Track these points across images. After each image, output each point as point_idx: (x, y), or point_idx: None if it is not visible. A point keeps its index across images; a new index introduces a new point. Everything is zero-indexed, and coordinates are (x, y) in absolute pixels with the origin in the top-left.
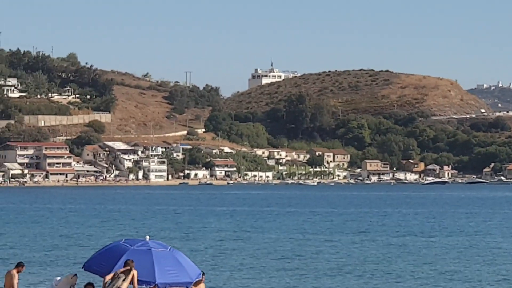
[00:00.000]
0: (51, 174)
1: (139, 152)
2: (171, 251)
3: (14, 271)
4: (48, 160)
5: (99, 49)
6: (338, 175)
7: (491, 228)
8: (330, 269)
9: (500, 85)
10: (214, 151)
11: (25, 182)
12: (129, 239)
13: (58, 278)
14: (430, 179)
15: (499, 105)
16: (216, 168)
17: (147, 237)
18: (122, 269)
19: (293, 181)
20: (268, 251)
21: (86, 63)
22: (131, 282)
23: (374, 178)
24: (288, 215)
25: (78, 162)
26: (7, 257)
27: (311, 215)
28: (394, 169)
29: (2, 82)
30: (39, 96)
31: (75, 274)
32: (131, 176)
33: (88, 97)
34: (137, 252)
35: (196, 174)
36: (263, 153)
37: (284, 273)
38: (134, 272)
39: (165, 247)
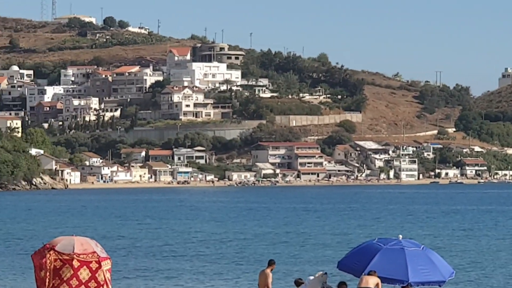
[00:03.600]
0: (303, 173)
1: (390, 152)
2: (424, 250)
3: (268, 270)
4: (300, 160)
5: (350, 50)
6: None
7: None
8: None
9: None
10: (464, 150)
11: (277, 181)
12: (382, 238)
13: (311, 277)
14: None
15: None
16: (467, 167)
17: (400, 236)
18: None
19: None
20: None
21: (337, 63)
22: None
23: None
24: None
25: (329, 162)
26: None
27: None
28: None
29: (254, 83)
30: (290, 96)
31: (325, 272)
32: (382, 176)
33: (339, 97)
34: (390, 251)
35: (446, 173)
36: None
37: None
38: (378, 279)
39: (418, 246)
